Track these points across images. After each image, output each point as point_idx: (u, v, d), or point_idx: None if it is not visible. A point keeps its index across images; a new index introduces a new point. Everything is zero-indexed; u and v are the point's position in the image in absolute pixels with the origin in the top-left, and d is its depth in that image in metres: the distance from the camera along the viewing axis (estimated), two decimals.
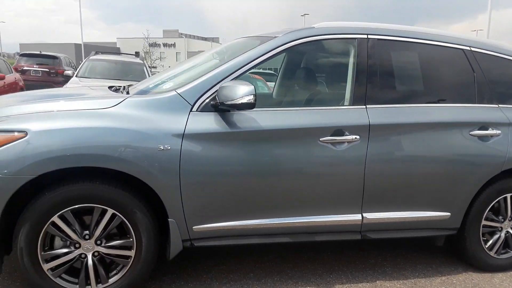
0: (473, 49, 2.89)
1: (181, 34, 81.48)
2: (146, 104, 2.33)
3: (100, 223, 2.24)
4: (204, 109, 2.35)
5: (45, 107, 2.29)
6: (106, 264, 2.33)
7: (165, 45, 71.87)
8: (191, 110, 2.33)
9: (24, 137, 2.08)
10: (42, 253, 2.19)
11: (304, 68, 2.86)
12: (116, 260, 2.32)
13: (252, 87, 2.21)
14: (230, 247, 3.01)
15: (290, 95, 2.74)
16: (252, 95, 2.19)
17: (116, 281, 2.32)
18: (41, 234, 2.16)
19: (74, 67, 17.75)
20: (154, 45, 57.21)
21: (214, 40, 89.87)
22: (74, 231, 2.22)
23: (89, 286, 2.28)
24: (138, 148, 2.20)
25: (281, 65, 3.19)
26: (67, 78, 9.14)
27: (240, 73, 2.43)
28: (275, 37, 2.59)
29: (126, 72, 9.13)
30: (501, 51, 2.97)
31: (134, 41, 73.48)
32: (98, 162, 2.15)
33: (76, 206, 2.18)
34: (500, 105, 2.87)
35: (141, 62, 9.53)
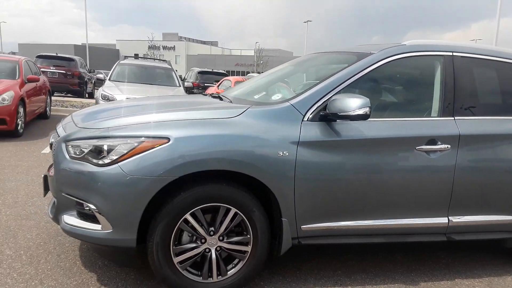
0: None
1: (181, 37, 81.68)
2: (266, 114, 2.56)
3: (224, 221, 2.45)
4: (313, 119, 2.57)
5: (178, 116, 2.51)
6: (224, 258, 2.53)
7: (164, 48, 72.11)
8: (302, 120, 2.56)
9: (167, 143, 2.30)
10: (174, 247, 2.40)
11: (397, 82, 3.10)
12: (234, 255, 2.53)
13: (368, 100, 2.43)
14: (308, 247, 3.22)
15: (386, 107, 2.96)
16: (368, 107, 2.42)
17: (234, 274, 2.53)
18: (175, 230, 2.37)
19: (88, 69, 17.90)
20: (154, 47, 57.28)
21: (213, 44, 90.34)
22: (202, 227, 2.43)
23: (211, 278, 2.49)
24: (262, 154, 2.42)
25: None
26: (99, 81, 9.33)
27: (344, 86, 2.66)
28: (371, 53, 2.82)
29: (156, 76, 9.36)
30: None
31: (133, 43, 73.83)
32: (231, 166, 2.37)
33: (205, 205, 2.39)
34: None
35: (169, 67, 9.76)
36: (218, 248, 2.48)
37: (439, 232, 2.90)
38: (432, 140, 2.73)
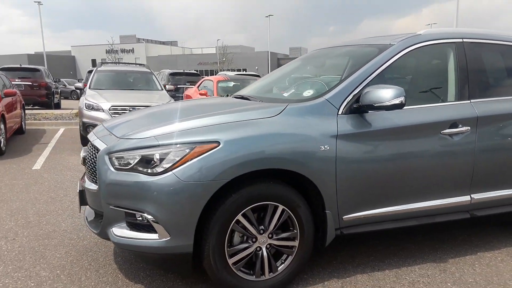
0: None
1: (140, 39, 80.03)
2: (304, 111, 2.63)
3: (273, 218, 2.51)
4: (346, 111, 2.67)
5: (221, 119, 2.53)
6: (273, 255, 2.59)
7: (123, 51, 70.31)
8: (337, 113, 2.65)
9: (218, 146, 2.33)
10: (228, 249, 2.43)
11: (416, 70, 3.24)
12: (282, 251, 2.59)
13: (402, 89, 2.55)
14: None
15: (409, 95, 3.10)
16: (403, 96, 2.54)
17: (284, 269, 2.60)
18: (228, 232, 2.41)
19: (53, 79, 17.29)
20: (112, 51, 55.76)
21: (173, 44, 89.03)
22: (253, 226, 2.47)
23: (263, 276, 2.54)
24: (307, 149, 2.49)
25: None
26: (78, 90, 9.06)
27: (372, 78, 2.76)
28: (390, 44, 2.94)
29: (136, 81, 9.21)
30: None
31: (90, 48, 71.65)
32: (279, 164, 2.43)
33: (255, 204, 2.44)
34: None
35: (149, 71, 9.61)
36: (268, 246, 2.54)
37: (463, 210, 3.07)
38: (454, 124, 2.89)
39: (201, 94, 9.21)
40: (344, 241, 3.02)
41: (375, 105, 2.58)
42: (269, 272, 2.56)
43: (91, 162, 2.76)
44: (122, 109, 7.14)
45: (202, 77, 20.54)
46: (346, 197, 2.65)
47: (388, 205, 2.80)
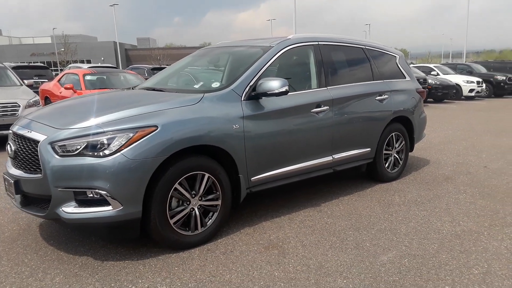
0: (366, 47, 4.76)
1: None
2: (217, 98, 3.33)
3: (202, 184, 3.18)
4: (247, 98, 3.48)
5: (155, 108, 3.05)
6: (202, 213, 3.27)
7: None
8: (241, 100, 3.44)
9: (156, 130, 2.88)
10: (169, 212, 3.02)
11: (290, 66, 4.18)
12: (210, 209, 3.28)
13: (286, 80, 3.44)
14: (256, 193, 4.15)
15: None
16: (287, 86, 3.44)
17: (211, 224, 3.29)
18: (168, 198, 2.99)
19: None
20: None
21: None
22: (187, 192, 3.11)
23: (197, 230, 3.20)
24: (223, 128, 3.22)
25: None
26: None
27: (262, 72, 3.62)
28: (270, 46, 3.86)
29: None
30: (378, 47, 4.93)
31: None
32: (206, 141, 3.11)
33: (188, 174, 3.08)
34: (384, 80, 4.83)
35: (2, 65, 8.88)
36: (199, 206, 3.20)
37: (328, 167, 4.22)
38: (318, 105, 3.97)
39: (66, 89, 8.91)
40: (247, 200, 3.86)
41: (268, 92, 3.44)
42: (201, 227, 3.23)
43: (26, 153, 2.99)
44: None
45: (50, 69, 19.05)
46: (252, 163, 3.47)
47: (280, 167, 3.73)
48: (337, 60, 4.44)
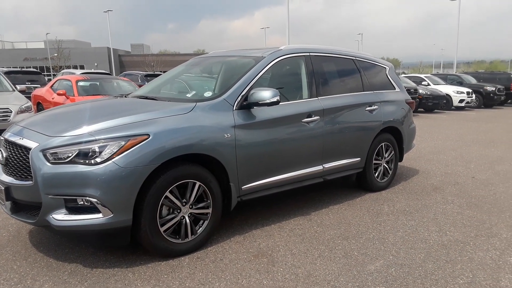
0: (356, 58, 4.84)
1: None
2: (209, 108, 3.37)
3: (192, 193, 3.21)
4: (238, 107, 3.52)
5: (147, 116, 3.08)
6: (193, 222, 3.29)
7: None
8: (233, 109, 3.48)
9: (148, 138, 2.91)
10: (159, 220, 3.04)
11: (282, 76, 4.24)
12: (200, 217, 3.31)
13: (277, 90, 3.50)
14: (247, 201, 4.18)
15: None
16: (278, 96, 3.49)
17: (202, 232, 3.31)
18: (159, 206, 3.01)
19: None
20: None
21: None
22: (178, 200, 3.13)
23: (187, 238, 3.22)
24: (215, 137, 3.26)
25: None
26: None
27: (254, 82, 3.68)
28: (262, 56, 3.91)
29: None
30: (368, 58, 5.02)
31: None
32: (198, 149, 3.14)
33: (179, 182, 3.10)
34: (375, 91, 4.91)
35: None
36: (189, 214, 3.23)
37: (318, 176, 4.27)
38: (309, 114, 4.03)
39: (59, 95, 8.90)
40: (238, 209, 3.89)
41: (259, 102, 3.49)
42: (191, 235, 3.25)
43: (17, 160, 3.00)
44: None
45: (43, 75, 18.99)
46: (243, 172, 3.51)
47: (271, 176, 3.77)
48: (328, 71, 4.51)
